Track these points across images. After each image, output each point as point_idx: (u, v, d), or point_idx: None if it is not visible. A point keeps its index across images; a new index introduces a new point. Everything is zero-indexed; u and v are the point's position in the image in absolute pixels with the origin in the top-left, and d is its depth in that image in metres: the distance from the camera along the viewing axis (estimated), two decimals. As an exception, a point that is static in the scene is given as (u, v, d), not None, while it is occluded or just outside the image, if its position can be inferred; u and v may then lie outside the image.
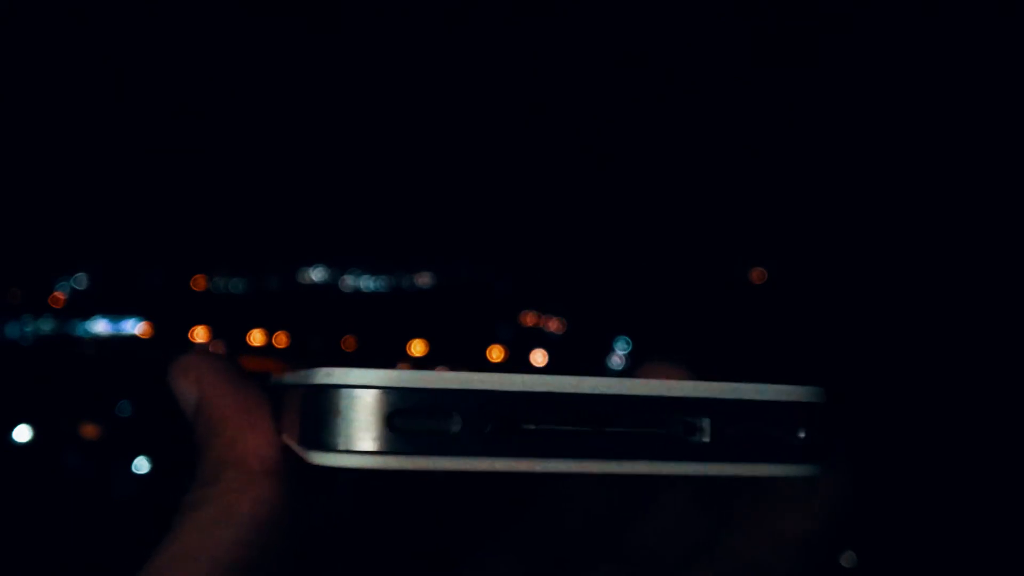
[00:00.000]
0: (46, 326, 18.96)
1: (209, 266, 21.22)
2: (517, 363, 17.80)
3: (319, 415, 0.24)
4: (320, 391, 0.24)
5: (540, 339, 18.21)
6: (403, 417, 0.23)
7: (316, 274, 21.15)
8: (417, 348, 18.37)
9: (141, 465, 9.97)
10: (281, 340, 19.67)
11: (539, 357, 17.82)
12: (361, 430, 0.23)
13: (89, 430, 11.30)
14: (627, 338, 17.15)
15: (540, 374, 0.25)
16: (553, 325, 18.47)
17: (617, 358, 17.26)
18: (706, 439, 0.25)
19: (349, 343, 19.48)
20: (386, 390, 0.23)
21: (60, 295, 19.94)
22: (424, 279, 20.20)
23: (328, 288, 21.01)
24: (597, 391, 0.25)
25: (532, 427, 0.24)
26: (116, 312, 19.75)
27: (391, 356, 18.49)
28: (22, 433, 10.27)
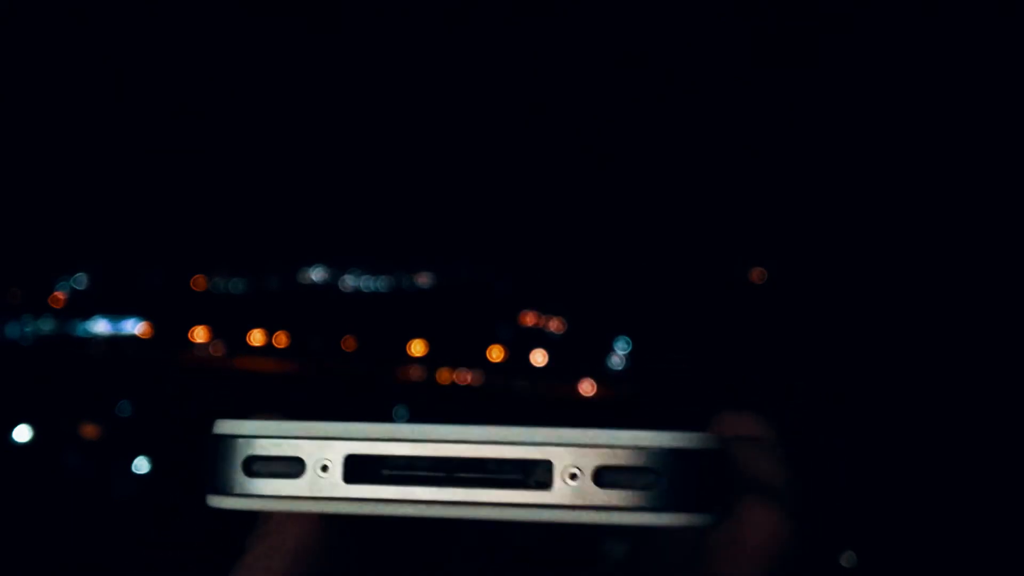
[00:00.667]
0: (46, 326, 18.96)
1: (209, 266, 21.22)
2: (517, 363, 17.81)
3: (206, 461, 0.27)
4: (208, 441, 0.27)
5: (540, 339, 18.21)
6: (260, 463, 0.26)
7: (316, 274, 21.15)
8: (417, 348, 18.37)
9: (141, 465, 9.98)
10: (281, 340, 19.67)
11: (539, 357, 17.82)
12: (226, 475, 0.26)
13: (89, 430, 11.30)
14: (627, 338, 17.16)
15: (395, 424, 0.26)
16: (553, 325, 18.47)
17: (617, 358, 17.27)
18: (559, 486, 0.25)
19: (349, 343, 19.48)
20: (243, 438, 0.27)
21: (60, 295, 19.94)
22: (424, 279, 20.20)
23: (328, 288, 21.01)
24: (445, 439, 0.26)
25: (383, 473, 0.26)
26: (116, 312, 19.75)
27: (391, 356, 18.49)
28: (22, 433, 10.27)
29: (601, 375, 17.16)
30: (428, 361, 18.25)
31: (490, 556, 0.34)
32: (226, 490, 0.27)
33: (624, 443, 0.25)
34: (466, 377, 17.62)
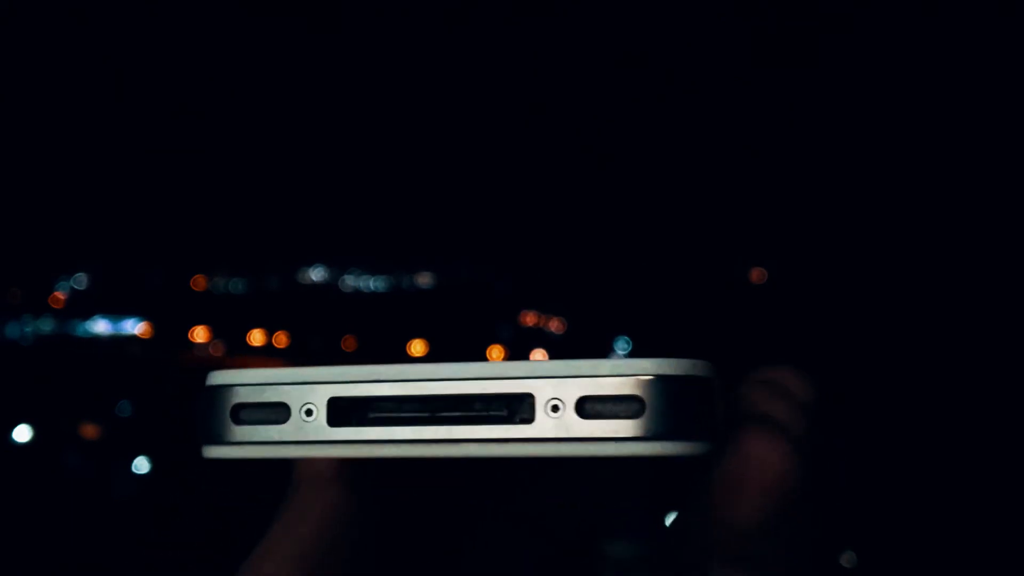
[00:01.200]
0: (46, 326, 18.96)
1: (209, 266, 21.22)
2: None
3: (197, 413, 0.28)
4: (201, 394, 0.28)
5: (540, 339, 18.21)
6: (247, 410, 0.27)
7: (316, 274, 21.14)
8: (417, 348, 18.36)
9: (141, 465, 9.97)
10: (281, 340, 19.66)
11: (539, 357, 17.81)
12: (216, 424, 0.27)
13: (89, 430, 11.30)
14: (627, 338, 17.16)
15: (379, 364, 0.27)
16: (553, 325, 18.47)
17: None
18: (542, 419, 0.25)
19: (349, 343, 19.48)
20: (230, 387, 0.27)
21: (60, 295, 19.94)
22: (424, 279, 20.20)
23: (328, 288, 21.00)
24: (426, 378, 0.26)
25: (368, 415, 0.26)
26: (116, 312, 19.75)
27: (391, 356, 18.48)
28: (22, 433, 10.27)
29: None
30: (428, 361, 18.24)
31: (507, 541, 0.34)
32: (217, 439, 0.27)
33: (606, 372, 0.25)
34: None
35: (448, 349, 18.25)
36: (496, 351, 17.99)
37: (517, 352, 17.85)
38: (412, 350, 18.39)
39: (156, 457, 9.90)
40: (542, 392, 0.25)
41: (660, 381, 0.25)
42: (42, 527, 7.24)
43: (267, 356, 19.32)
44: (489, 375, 0.26)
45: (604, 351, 17.30)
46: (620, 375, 0.25)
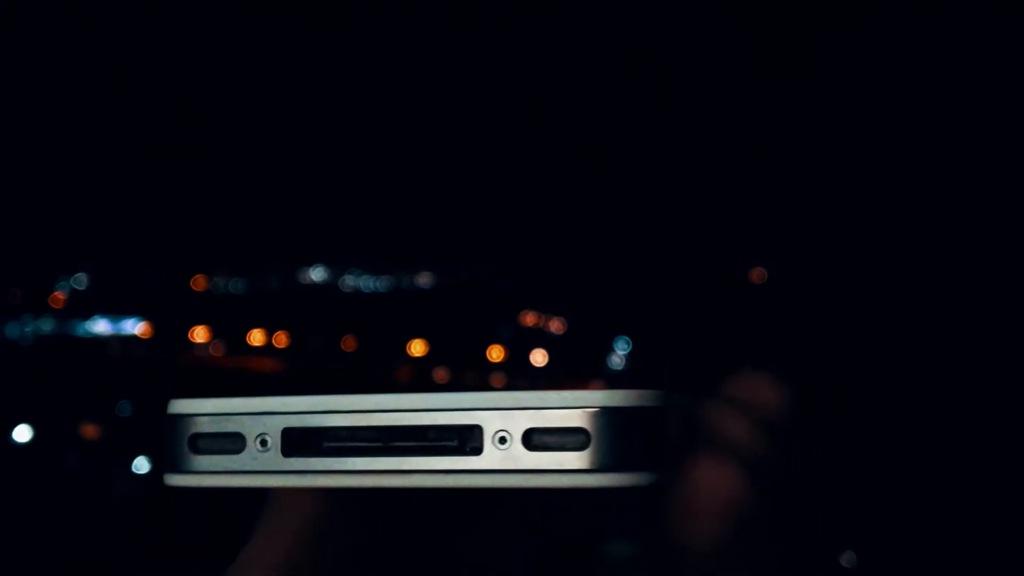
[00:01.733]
0: (46, 326, 18.97)
1: (209, 266, 21.23)
2: (517, 362, 17.82)
3: (161, 441, 0.28)
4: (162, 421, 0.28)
5: (540, 339, 18.22)
6: (204, 440, 0.27)
7: (316, 274, 21.16)
8: (417, 348, 18.37)
9: (141, 465, 9.98)
10: (281, 340, 19.67)
11: (539, 357, 17.82)
12: (175, 453, 0.28)
13: (89, 430, 11.30)
14: (627, 338, 17.17)
15: (334, 395, 0.27)
16: (553, 325, 18.47)
17: (617, 358, 17.27)
18: (490, 450, 0.25)
19: (349, 343, 19.48)
20: (189, 416, 0.27)
21: (60, 295, 19.95)
22: (424, 279, 20.20)
23: (328, 288, 21.01)
24: (380, 409, 0.26)
25: (322, 445, 0.27)
26: (116, 312, 19.76)
27: (391, 356, 18.49)
28: (22, 433, 10.27)
29: (601, 375, 17.17)
30: (428, 361, 18.26)
31: (504, 542, 0.34)
32: (177, 467, 0.28)
33: (552, 404, 0.25)
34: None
35: (448, 349, 18.26)
36: (496, 351, 17.99)
37: (517, 352, 17.86)
38: (412, 350, 18.40)
39: (156, 457, 9.90)
40: (490, 424, 0.25)
41: (606, 413, 0.25)
42: (42, 527, 7.24)
43: (267, 356, 19.33)
44: (441, 406, 0.26)
45: (604, 351, 17.31)
46: (566, 407, 0.25)
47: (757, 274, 18.26)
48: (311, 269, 21.11)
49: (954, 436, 10.05)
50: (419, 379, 17.32)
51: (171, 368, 18.14)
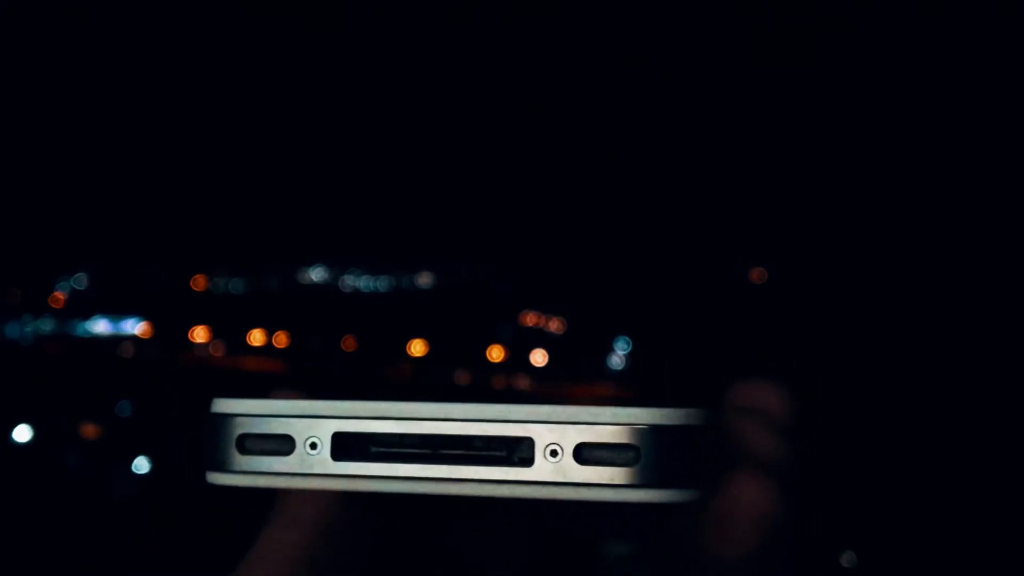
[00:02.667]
0: (46, 326, 18.97)
1: (209, 266, 21.23)
2: (517, 362, 17.81)
3: (204, 439, 0.29)
4: (205, 419, 0.28)
5: (540, 339, 18.22)
6: (252, 440, 0.28)
7: (316, 274, 21.16)
8: (417, 348, 18.37)
9: (141, 465, 9.98)
10: (281, 340, 19.67)
11: (539, 357, 17.82)
12: (221, 452, 0.28)
13: (89, 430, 11.31)
14: (627, 338, 17.16)
15: (383, 401, 0.27)
16: (553, 325, 18.47)
17: (617, 358, 17.27)
18: (540, 463, 0.26)
19: (349, 343, 19.48)
20: (236, 416, 0.28)
21: (60, 295, 19.95)
22: (424, 279, 20.20)
23: (328, 288, 21.01)
24: (432, 417, 0.27)
25: (370, 450, 0.27)
26: (116, 312, 19.76)
27: (391, 356, 18.48)
28: (22, 433, 10.27)
29: (601, 375, 17.17)
30: (428, 361, 18.26)
31: (506, 544, 0.35)
32: (221, 467, 0.28)
33: (604, 420, 0.26)
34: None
35: (448, 349, 18.26)
36: (496, 351, 17.99)
37: (517, 352, 17.86)
38: (412, 350, 18.39)
39: (156, 457, 9.91)
40: (542, 437, 0.26)
41: (655, 431, 0.25)
42: (42, 527, 7.25)
43: (267, 356, 19.33)
44: (492, 417, 0.26)
45: (604, 351, 17.30)
46: (617, 423, 0.25)
47: (757, 274, 18.26)
48: (311, 269, 21.12)
49: (953, 436, 10.05)
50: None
51: (171, 368, 18.13)
